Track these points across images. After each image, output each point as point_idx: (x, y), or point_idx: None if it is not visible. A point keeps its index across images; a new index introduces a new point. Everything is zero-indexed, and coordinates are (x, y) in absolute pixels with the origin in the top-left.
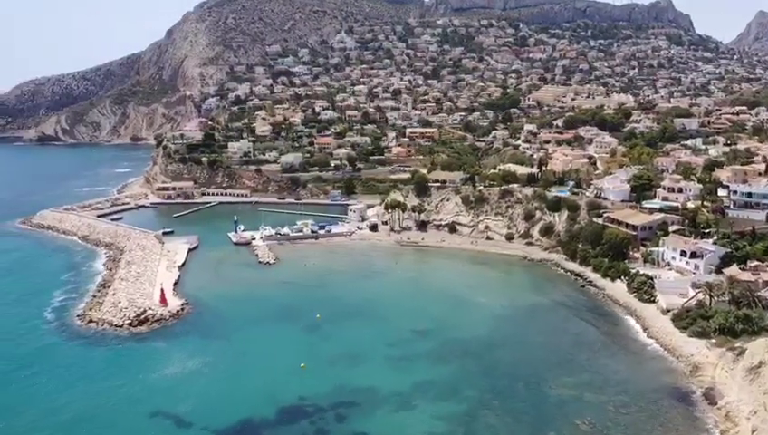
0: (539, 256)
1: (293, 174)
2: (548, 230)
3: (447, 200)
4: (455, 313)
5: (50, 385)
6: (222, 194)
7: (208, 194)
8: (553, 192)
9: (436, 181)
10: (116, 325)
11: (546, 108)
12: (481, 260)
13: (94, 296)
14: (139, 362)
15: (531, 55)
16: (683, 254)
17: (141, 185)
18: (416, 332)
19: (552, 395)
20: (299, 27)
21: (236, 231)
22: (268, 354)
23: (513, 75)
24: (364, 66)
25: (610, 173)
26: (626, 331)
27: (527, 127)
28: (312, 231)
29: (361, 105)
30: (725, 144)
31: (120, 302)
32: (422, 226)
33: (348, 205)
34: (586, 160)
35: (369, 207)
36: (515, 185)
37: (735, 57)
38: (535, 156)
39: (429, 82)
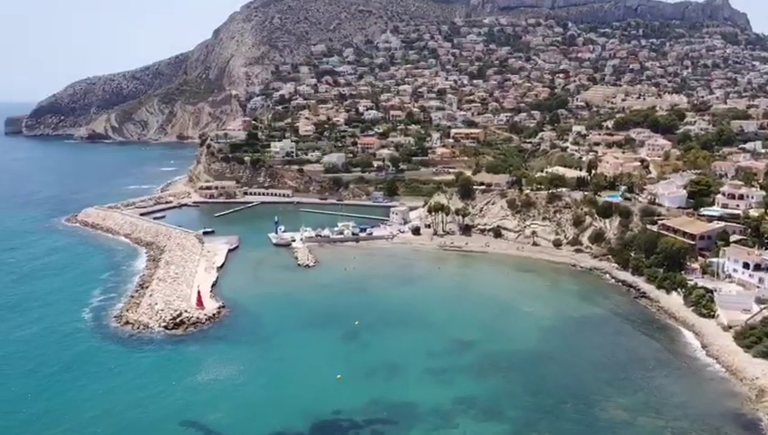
0: (588, 264)
1: (336, 174)
2: (598, 237)
3: (493, 204)
4: (499, 322)
5: (81, 393)
6: (264, 194)
7: (250, 193)
8: (604, 197)
9: (481, 184)
10: (152, 328)
11: (595, 109)
12: (527, 267)
13: (132, 297)
14: (173, 367)
15: (579, 55)
16: (746, 266)
17: (185, 183)
18: (458, 342)
19: (602, 417)
20: (344, 27)
21: (277, 232)
22: (304, 363)
23: (560, 75)
24: (409, 66)
25: (665, 178)
26: (683, 348)
27: (575, 128)
28: (353, 233)
29: (406, 105)
30: None
31: (156, 303)
32: (466, 230)
33: (390, 207)
34: (638, 164)
35: (412, 209)
36: (564, 189)
37: None
38: (584, 158)
39: (475, 81)
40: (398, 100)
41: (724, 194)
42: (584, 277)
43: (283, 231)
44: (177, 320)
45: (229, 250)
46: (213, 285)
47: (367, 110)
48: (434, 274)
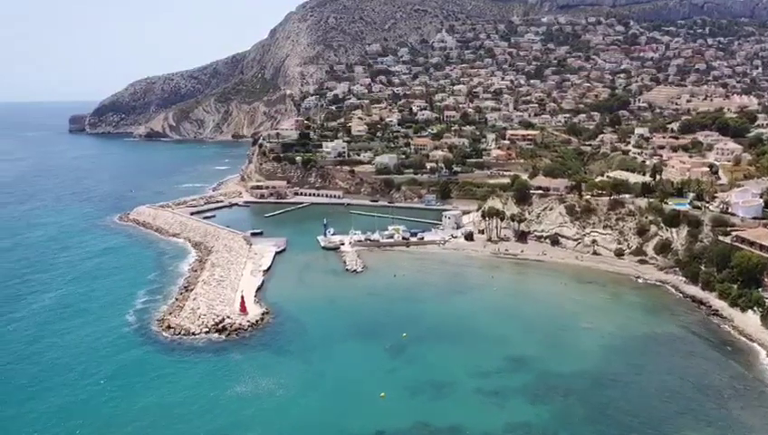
0: (653, 277)
1: (387, 176)
2: (664, 248)
3: (550, 210)
4: (556, 340)
5: (114, 400)
6: (314, 195)
7: (301, 194)
8: (671, 205)
9: (539, 188)
10: (193, 333)
11: (658, 110)
12: (587, 278)
13: (176, 299)
14: (212, 376)
15: (642, 54)
16: None
17: (237, 183)
18: (511, 360)
19: None
20: (399, 26)
21: (325, 235)
22: (347, 378)
23: (621, 75)
24: (464, 65)
25: (738, 185)
26: (761, 374)
27: (638, 130)
28: (404, 238)
29: (460, 105)
30: None
31: (199, 308)
32: (521, 237)
33: (442, 210)
34: (706, 169)
35: (465, 213)
36: (627, 195)
37: None
38: (648, 163)
39: (532, 81)
40: (452, 100)
41: None
42: (649, 291)
43: (332, 234)
44: (220, 326)
45: (276, 253)
46: (258, 290)
47: (421, 110)
48: (487, 283)
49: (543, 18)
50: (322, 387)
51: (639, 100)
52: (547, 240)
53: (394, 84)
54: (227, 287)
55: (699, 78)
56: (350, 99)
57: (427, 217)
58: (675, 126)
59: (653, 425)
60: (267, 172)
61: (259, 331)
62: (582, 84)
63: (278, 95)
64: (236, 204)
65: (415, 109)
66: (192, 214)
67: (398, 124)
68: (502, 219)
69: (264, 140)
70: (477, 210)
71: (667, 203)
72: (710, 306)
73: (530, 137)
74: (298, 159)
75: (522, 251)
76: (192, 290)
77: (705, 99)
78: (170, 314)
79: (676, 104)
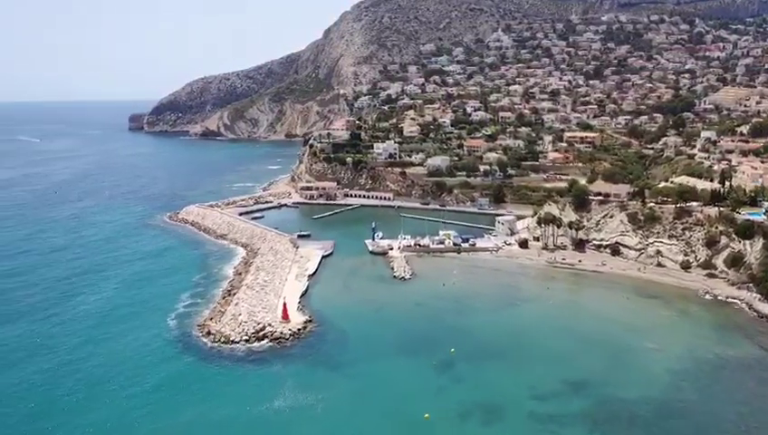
0: (725, 293)
1: (439, 178)
2: (736, 261)
3: (611, 217)
4: (617, 361)
5: (152, 414)
6: (364, 196)
7: (351, 196)
8: (744, 214)
9: (598, 194)
10: (233, 341)
11: (726, 112)
12: (650, 292)
13: (218, 304)
14: (250, 388)
15: (707, 53)
16: None
17: (287, 183)
18: (569, 383)
19: None
20: (454, 26)
21: (374, 238)
22: (390, 396)
23: (686, 75)
24: (520, 65)
25: None
26: None
27: (704, 133)
28: (455, 244)
29: (516, 106)
30: None
31: (240, 314)
32: (579, 245)
33: (496, 215)
34: None
35: (520, 218)
36: (695, 203)
37: None
38: (716, 168)
39: (591, 82)
40: (507, 100)
41: None
42: (719, 308)
43: (381, 238)
44: (260, 334)
45: (323, 256)
46: (302, 296)
47: (475, 110)
48: (542, 295)
49: (603, 17)
50: (363, 404)
51: (705, 101)
52: (607, 250)
53: (448, 84)
54: (270, 293)
55: None
56: (402, 99)
57: (480, 222)
58: (744, 129)
59: None
60: (317, 173)
61: (301, 341)
62: (644, 85)
63: (331, 95)
64: (285, 205)
65: (469, 109)
66: (241, 214)
67: (452, 125)
68: (558, 226)
69: (314, 140)
70: (532, 216)
71: (739, 212)
72: None
73: (588, 139)
74: (348, 159)
75: (579, 261)
76: (235, 295)
77: None
78: (211, 319)
79: (745, 106)
